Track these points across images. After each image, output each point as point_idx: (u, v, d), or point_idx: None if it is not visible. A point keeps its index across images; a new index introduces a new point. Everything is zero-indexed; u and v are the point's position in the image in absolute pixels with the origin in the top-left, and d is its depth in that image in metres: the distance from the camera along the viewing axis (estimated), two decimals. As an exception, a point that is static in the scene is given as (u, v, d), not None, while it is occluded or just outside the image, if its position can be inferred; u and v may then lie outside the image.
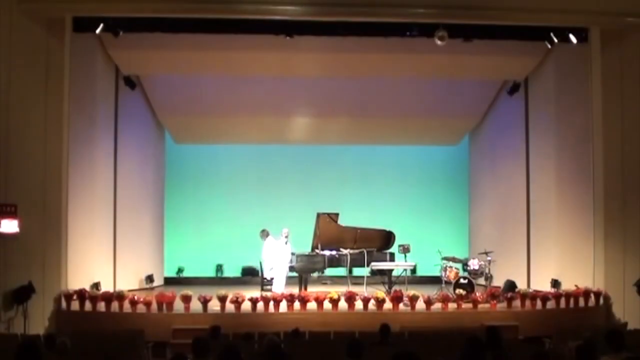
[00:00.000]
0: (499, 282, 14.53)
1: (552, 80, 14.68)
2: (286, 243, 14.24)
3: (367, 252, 14.54)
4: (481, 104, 17.61)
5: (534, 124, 15.51)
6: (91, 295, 12.21)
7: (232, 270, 18.03)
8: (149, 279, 16.41)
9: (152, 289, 15.87)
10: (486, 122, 18.02)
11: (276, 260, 14.11)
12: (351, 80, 16.08)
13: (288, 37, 13.55)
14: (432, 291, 13.27)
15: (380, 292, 12.86)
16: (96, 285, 13.27)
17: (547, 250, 14.68)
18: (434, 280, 15.30)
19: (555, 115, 14.57)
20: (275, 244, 14.09)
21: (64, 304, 12.10)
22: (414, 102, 16.89)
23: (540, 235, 15.08)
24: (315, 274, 15.47)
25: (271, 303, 12.19)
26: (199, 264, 18.77)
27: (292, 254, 14.56)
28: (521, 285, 14.06)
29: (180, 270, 18.77)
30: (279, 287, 13.89)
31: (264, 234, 14.41)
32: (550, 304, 12.69)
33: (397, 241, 15.26)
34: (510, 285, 13.70)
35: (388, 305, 12.40)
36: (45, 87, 12.10)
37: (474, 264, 14.38)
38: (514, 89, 15.93)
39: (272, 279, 14.29)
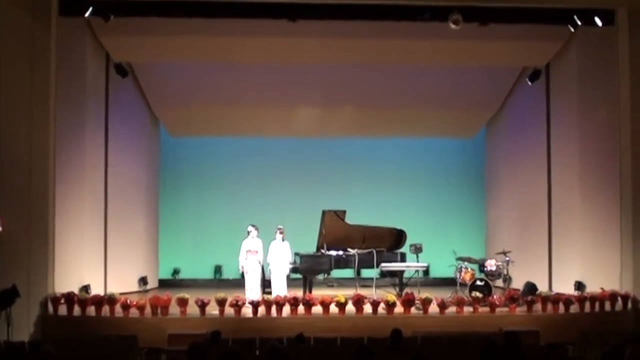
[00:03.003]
0: (518, 284, 14.46)
1: (575, 66, 14.57)
2: (283, 240, 14.10)
3: (377, 252, 14.47)
4: (498, 93, 17.53)
5: (556, 114, 15.42)
6: (80, 298, 12.15)
7: (232, 272, 17.95)
8: (143, 281, 16.42)
9: (146, 291, 15.88)
10: (504, 113, 17.94)
11: (274, 261, 14.00)
12: (358, 68, 16.01)
13: (291, 21, 13.47)
14: (446, 294, 13.22)
15: (390, 295, 12.80)
16: (85, 288, 13.26)
17: (571, 250, 14.60)
18: (448, 282, 15.30)
19: (578, 104, 14.47)
20: (251, 243, 13.89)
21: (50, 308, 12.03)
22: (426, 91, 16.84)
23: (563, 234, 14.99)
24: (321, 276, 15.41)
25: (273, 307, 12.14)
26: (196, 264, 18.81)
27: (296, 254, 14.51)
28: (542, 287, 13.98)
29: (176, 272, 18.79)
30: (279, 289, 13.78)
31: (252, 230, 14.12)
32: (574, 308, 12.59)
33: (409, 240, 15.18)
34: (531, 288, 13.62)
35: (399, 309, 12.34)
36: (30, 76, 11.99)
37: (491, 265, 14.28)
38: (534, 76, 15.82)
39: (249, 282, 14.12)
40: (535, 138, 16.10)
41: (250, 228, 13.91)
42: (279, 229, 14.11)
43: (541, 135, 15.83)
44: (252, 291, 13.47)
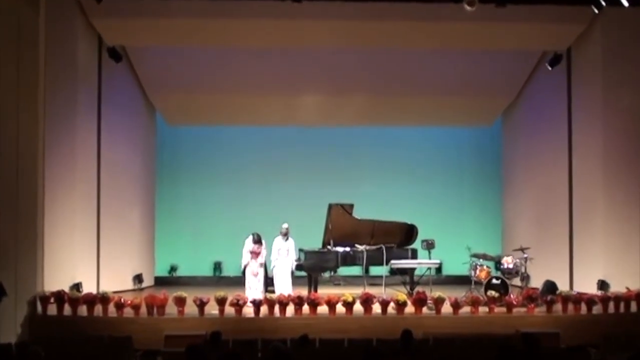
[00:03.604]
0: (537, 282, 14.40)
1: (599, 50, 14.45)
2: (286, 240, 14.01)
3: (386, 248, 14.44)
4: (516, 80, 17.46)
5: (577, 101, 15.32)
6: (71, 297, 12.11)
7: (232, 269, 17.94)
8: (138, 279, 16.45)
9: (141, 290, 15.91)
10: (522, 100, 17.87)
11: (278, 258, 13.93)
12: (367, 53, 15.95)
13: (295, 2, 13.39)
14: (460, 293, 13.17)
15: (401, 293, 12.78)
16: (77, 287, 13.25)
17: (593, 247, 14.52)
18: (462, 281, 15.27)
19: (602, 91, 14.36)
20: (248, 246, 13.84)
21: (39, 307, 12.01)
22: (440, 77, 16.79)
23: (585, 229, 14.91)
24: (327, 274, 15.42)
25: (277, 306, 12.11)
26: (195, 261, 18.88)
27: (301, 250, 14.46)
28: (563, 286, 13.88)
29: (173, 269, 18.86)
30: (283, 287, 13.70)
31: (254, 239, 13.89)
32: (597, 309, 12.52)
33: (420, 236, 15.17)
34: (550, 287, 13.55)
35: (410, 309, 12.28)
36: (17, 61, 11.90)
37: (508, 262, 14.25)
38: (554, 61, 15.73)
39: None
40: (556, 127, 16.00)
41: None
42: (284, 229, 13.99)
43: (562, 124, 15.73)
44: (254, 290, 13.41)
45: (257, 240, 13.73)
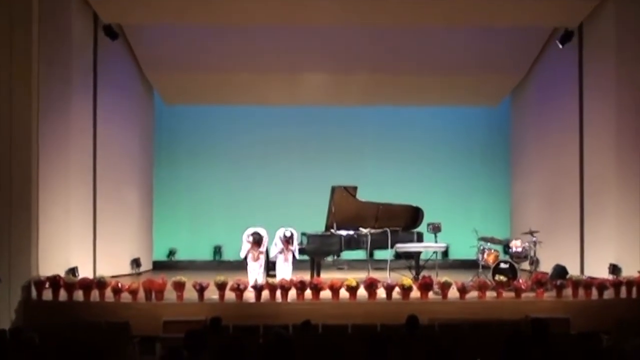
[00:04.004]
0: (546, 267, 14.39)
1: (612, 26, 14.34)
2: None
3: (391, 231, 14.47)
4: (526, 58, 17.41)
5: (589, 80, 15.25)
6: (67, 282, 12.15)
7: (233, 253, 17.95)
8: (135, 263, 16.45)
9: (139, 274, 15.91)
10: (532, 79, 17.83)
11: (279, 242, 13.93)
12: (372, 30, 15.91)
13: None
14: (467, 277, 13.24)
15: (406, 278, 12.76)
16: (73, 271, 13.26)
17: (605, 230, 14.50)
18: (470, 265, 15.35)
19: (615, 69, 14.27)
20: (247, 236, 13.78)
21: (34, 293, 12.04)
22: (447, 54, 16.75)
23: (597, 211, 14.89)
24: (330, 258, 15.43)
25: (278, 291, 12.13)
26: (194, 245, 18.95)
27: (303, 234, 14.52)
28: (573, 271, 13.91)
29: (171, 253, 18.92)
30: (284, 272, 13.73)
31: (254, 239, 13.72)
32: (608, 294, 12.53)
33: (426, 219, 15.19)
34: (560, 271, 13.55)
35: (415, 293, 12.33)
36: (10, 38, 11.91)
37: (516, 246, 14.24)
38: (565, 38, 15.66)
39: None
40: (566, 107, 15.94)
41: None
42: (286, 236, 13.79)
43: (572, 103, 15.67)
44: (254, 274, 13.40)
45: (257, 241, 13.57)
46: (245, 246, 13.64)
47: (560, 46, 15.81)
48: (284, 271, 13.60)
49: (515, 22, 15.25)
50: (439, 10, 14.66)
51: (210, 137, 19.43)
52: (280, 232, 13.78)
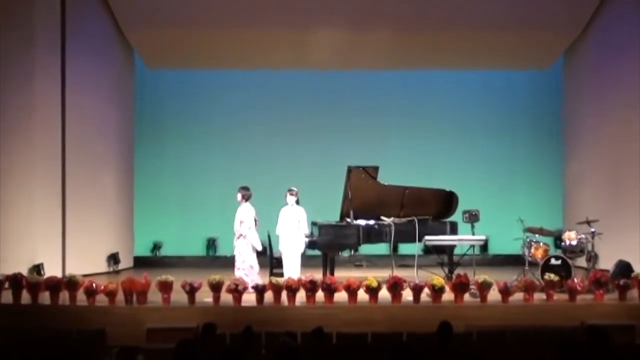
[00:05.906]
0: (607, 263, 14.38)
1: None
2: (297, 203, 13.96)
3: (419, 221, 14.41)
4: (581, 12, 17.38)
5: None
6: (30, 281, 12.14)
7: (229, 247, 17.96)
8: (113, 259, 16.58)
9: (117, 272, 16.00)
10: (588, 38, 17.78)
11: (286, 234, 13.91)
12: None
13: None
14: (511, 276, 13.17)
15: (437, 277, 12.75)
16: (38, 269, 13.33)
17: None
18: (514, 261, 15.36)
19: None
20: (250, 211, 13.78)
21: (-8, 294, 12.14)
22: (486, 9, 16.78)
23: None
24: (346, 253, 15.41)
25: (284, 293, 12.13)
26: (183, 238, 19.02)
27: (314, 224, 14.46)
28: (639, 268, 13.85)
29: (156, 247, 18.97)
30: (291, 269, 13.74)
31: (243, 194, 13.87)
32: (682, 296, 12.51)
33: (461, 206, 15.10)
34: (624, 269, 13.50)
35: (448, 295, 12.31)
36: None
37: (570, 239, 14.19)
38: (630, -12, 15.61)
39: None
40: (629, 70, 15.96)
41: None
42: (291, 190, 13.98)
43: (636, 67, 15.61)
44: (256, 268, 13.42)
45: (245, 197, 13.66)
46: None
47: (622, -1, 15.79)
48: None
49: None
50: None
51: (202, 109, 19.45)
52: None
